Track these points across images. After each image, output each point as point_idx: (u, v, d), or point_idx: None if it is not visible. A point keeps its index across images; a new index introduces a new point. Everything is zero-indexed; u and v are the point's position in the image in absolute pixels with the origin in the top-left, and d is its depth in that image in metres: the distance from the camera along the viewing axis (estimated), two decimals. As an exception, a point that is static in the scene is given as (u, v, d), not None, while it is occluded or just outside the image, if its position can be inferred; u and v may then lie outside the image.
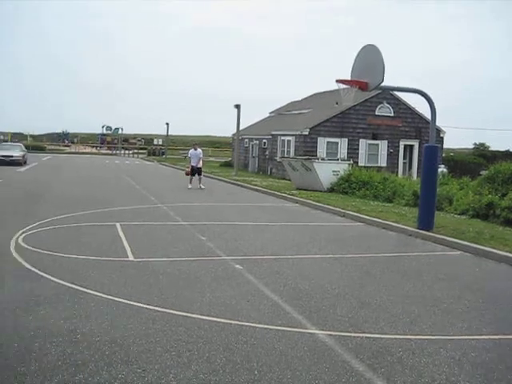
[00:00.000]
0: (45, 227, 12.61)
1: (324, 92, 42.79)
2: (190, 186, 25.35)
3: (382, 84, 13.66)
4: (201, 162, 26.62)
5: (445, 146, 39.66)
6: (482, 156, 56.94)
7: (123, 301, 7.05)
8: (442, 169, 26.23)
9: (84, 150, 79.16)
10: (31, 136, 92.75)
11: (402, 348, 5.85)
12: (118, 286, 7.76)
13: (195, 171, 26.18)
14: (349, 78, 14.35)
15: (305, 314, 6.85)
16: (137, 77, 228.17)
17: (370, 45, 14.06)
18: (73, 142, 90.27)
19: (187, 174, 26.44)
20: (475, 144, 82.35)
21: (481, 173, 31.63)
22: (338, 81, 14.38)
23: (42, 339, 5.63)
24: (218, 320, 6.47)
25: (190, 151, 27.30)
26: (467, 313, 7.29)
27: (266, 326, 6.32)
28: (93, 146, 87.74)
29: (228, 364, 5.23)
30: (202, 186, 25.58)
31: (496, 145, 74.46)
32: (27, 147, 50.19)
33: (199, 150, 26.98)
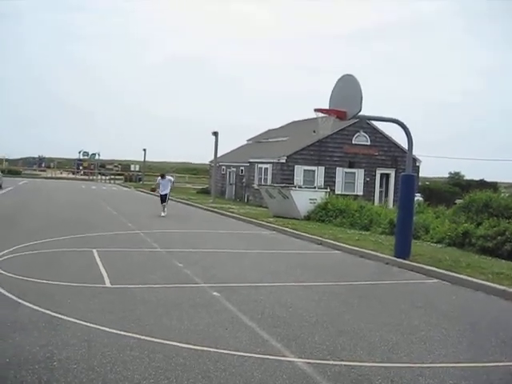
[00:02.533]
0: (21, 252, 12.45)
1: (301, 120, 43.17)
2: (163, 214, 24.66)
3: (360, 113, 13.83)
4: (169, 188, 25.74)
5: (420, 174, 40.10)
6: (457, 185, 57.61)
7: (100, 328, 6.97)
8: (417, 197, 26.49)
9: (60, 175, 78.59)
10: (6, 160, 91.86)
11: (381, 376, 5.86)
12: (95, 313, 7.68)
13: (162, 198, 25.34)
14: (327, 107, 14.50)
15: (283, 342, 6.84)
16: (115, 103, 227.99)
17: (347, 74, 14.24)
18: (49, 167, 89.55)
19: (153, 190, 26.04)
20: (450, 173, 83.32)
21: (456, 201, 32.01)
22: (316, 110, 14.50)
23: (17, 366, 5.54)
24: (197, 347, 6.43)
25: (158, 180, 26.50)
26: (444, 340, 7.32)
27: (244, 354, 6.29)
28: (69, 171, 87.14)
29: (207, 392, 5.20)
30: (163, 214, 24.63)
31: (470, 174, 75.27)
32: (2, 171, 49.79)
33: (168, 177, 26.41)
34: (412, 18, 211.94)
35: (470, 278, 11.53)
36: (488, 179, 63.52)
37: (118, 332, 6.85)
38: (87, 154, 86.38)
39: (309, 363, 6.13)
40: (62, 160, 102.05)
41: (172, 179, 26.75)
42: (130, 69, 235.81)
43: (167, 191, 25.41)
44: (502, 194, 23.66)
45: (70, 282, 9.59)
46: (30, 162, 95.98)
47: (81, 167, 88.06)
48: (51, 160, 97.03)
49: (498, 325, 8.46)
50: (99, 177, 79.03)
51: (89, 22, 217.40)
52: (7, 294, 8.49)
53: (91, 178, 78.90)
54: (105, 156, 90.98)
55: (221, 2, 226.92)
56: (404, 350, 6.80)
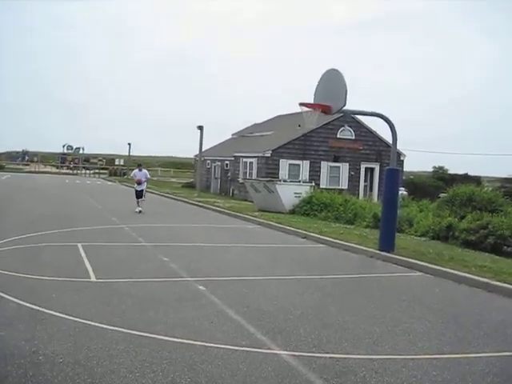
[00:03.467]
0: (5, 247, 12.38)
1: (286, 115, 43.16)
2: (137, 210, 23.12)
3: (345, 108, 13.88)
4: (145, 184, 23.94)
5: (405, 168, 40.30)
6: (441, 179, 57.82)
7: (86, 322, 6.98)
8: (402, 191, 26.64)
9: (44, 169, 78.02)
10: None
11: (366, 368, 5.91)
12: (81, 307, 7.67)
13: (138, 194, 23.53)
14: (312, 102, 14.53)
15: (269, 335, 6.88)
16: (100, 97, 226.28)
17: (332, 69, 14.28)
18: (32, 161, 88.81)
19: (138, 183, 23.62)
20: (434, 167, 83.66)
21: (440, 195, 32.22)
22: (301, 104, 14.54)
23: (3, 361, 5.54)
24: (182, 341, 6.45)
25: (134, 172, 24.65)
26: (428, 333, 7.41)
27: (230, 347, 6.33)
28: (53, 165, 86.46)
29: (193, 385, 5.22)
30: (141, 209, 23.06)
31: (454, 168, 75.63)
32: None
33: (144, 171, 24.43)
34: (400, 12, 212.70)
35: (453, 271, 11.65)
36: (471, 173, 64.02)
37: (104, 326, 6.85)
38: (71, 148, 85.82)
39: (294, 356, 6.18)
40: (46, 154, 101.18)
41: (148, 175, 24.61)
42: (115, 63, 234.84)
43: (143, 187, 23.63)
44: (485, 188, 23.86)
45: (55, 277, 9.57)
46: (13, 156, 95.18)
47: (68, 162, 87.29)
48: (35, 154, 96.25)
49: (480, 317, 8.56)
50: (83, 171, 78.56)
51: (77, 14, 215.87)
52: (-8, 288, 8.45)
53: (75, 172, 78.45)
54: (89, 150, 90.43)
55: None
56: (388, 342, 6.87)
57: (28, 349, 5.90)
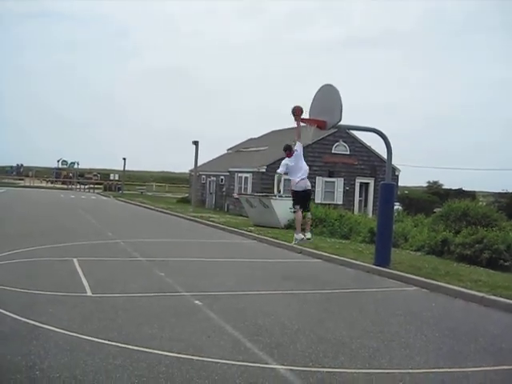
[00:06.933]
0: (1, 262, 12.34)
1: (281, 130, 43.31)
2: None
3: (340, 123, 13.92)
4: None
5: (399, 183, 40.42)
6: (436, 194, 58.04)
7: (82, 336, 6.96)
8: (396, 206, 26.72)
9: (39, 184, 77.91)
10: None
11: (362, 382, 5.92)
12: (77, 322, 7.65)
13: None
14: (307, 117, 14.57)
15: (265, 350, 6.87)
16: (95, 112, 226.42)
17: (327, 84, 14.33)
18: (27, 176, 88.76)
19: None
20: (429, 182, 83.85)
21: (435, 210, 32.33)
22: (296, 119, 14.56)
23: (-1, 376, 5.53)
24: (179, 356, 6.44)
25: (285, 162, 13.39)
26: (425, 347, 7.41)
27: (227, 362, 6.32)
28: (48, 180, 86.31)
29: (190, 399, 5.21)
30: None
31: (449, 183, 75.78)
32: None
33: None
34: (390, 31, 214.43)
35: (448, 286, 11.67)
36: (466, 188, 64.28)
37: (100, 341, 6.83)
38: (66, 163, 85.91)
39: (291, 370, 6.17)
40: (41, 169, 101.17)
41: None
42: (111, 78, 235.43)
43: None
44: (480, 203, 23.97)
45: (51, 292, 9.54)
46: (7, 171, 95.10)
47: (63, 176, 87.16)
48: (29, 169, 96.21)
49: (476, 331, 8.57)
50: (78, 186, 78.48)
51: (69, 30, 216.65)
52: (-13, 303, 8.43)
53: (70, 186, 78.37)
54: (84, 165, 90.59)
55: (199, 18, 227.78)
56: (385, 357, 6.87)
57: (24, 364, 5.88)
